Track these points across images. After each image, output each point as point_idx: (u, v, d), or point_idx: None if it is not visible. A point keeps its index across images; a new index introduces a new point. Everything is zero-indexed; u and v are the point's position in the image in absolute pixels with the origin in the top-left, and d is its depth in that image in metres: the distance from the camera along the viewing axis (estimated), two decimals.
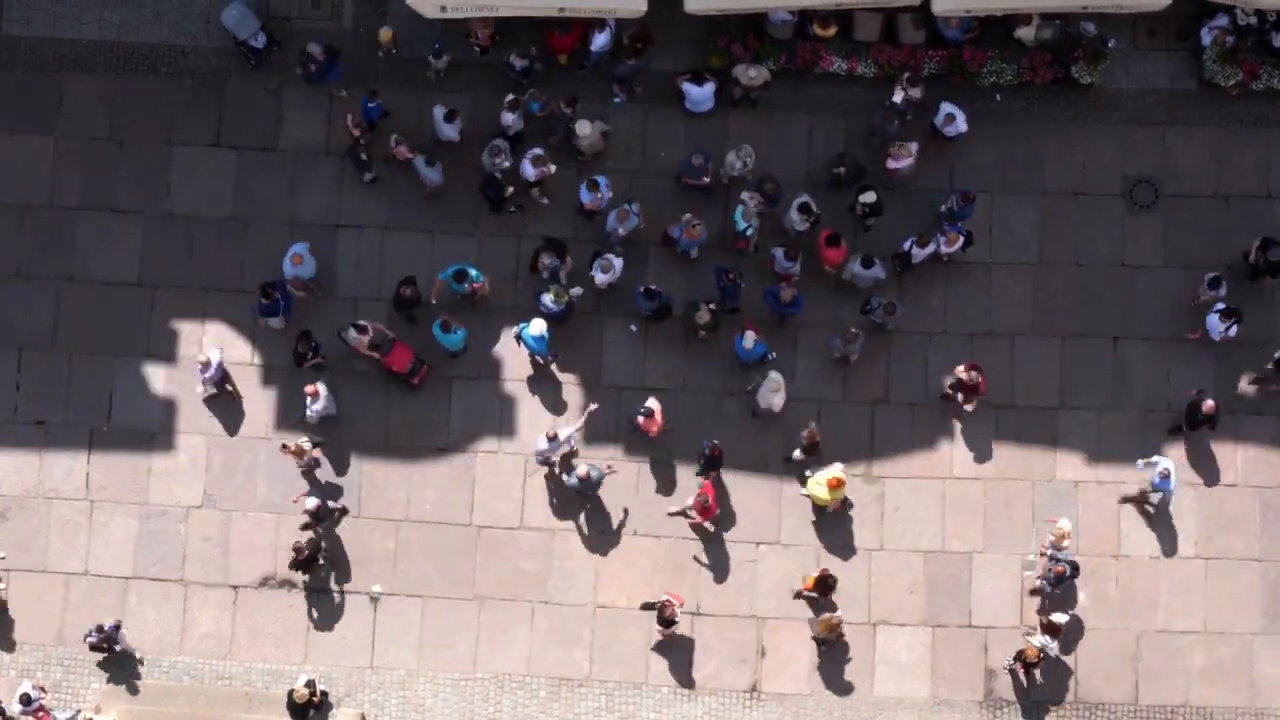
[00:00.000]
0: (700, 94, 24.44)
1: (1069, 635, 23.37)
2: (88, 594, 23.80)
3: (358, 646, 23.78)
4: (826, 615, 23.01)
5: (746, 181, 24.25)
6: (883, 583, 23.83)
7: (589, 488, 23.28)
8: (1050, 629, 22.90)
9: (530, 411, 24.32)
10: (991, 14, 24.44)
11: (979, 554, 23.95)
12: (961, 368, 23.50)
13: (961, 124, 24.28)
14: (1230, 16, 24.78)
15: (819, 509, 23.80)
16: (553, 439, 23.16)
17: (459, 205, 24.84)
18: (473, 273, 23.72)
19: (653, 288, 23.75)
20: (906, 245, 23.83)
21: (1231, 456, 24.24)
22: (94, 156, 24.97)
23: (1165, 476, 23.15)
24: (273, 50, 24.82)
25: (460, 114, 24.14)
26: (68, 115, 25.08)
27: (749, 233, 23.91)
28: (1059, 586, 23.20)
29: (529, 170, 23.93)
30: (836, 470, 23.25)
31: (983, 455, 24.21)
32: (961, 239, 23.88)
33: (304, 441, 23.43)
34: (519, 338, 23.98)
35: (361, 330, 23.50)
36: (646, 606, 23.21)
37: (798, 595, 23.60)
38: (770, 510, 24.06)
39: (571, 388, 24.34)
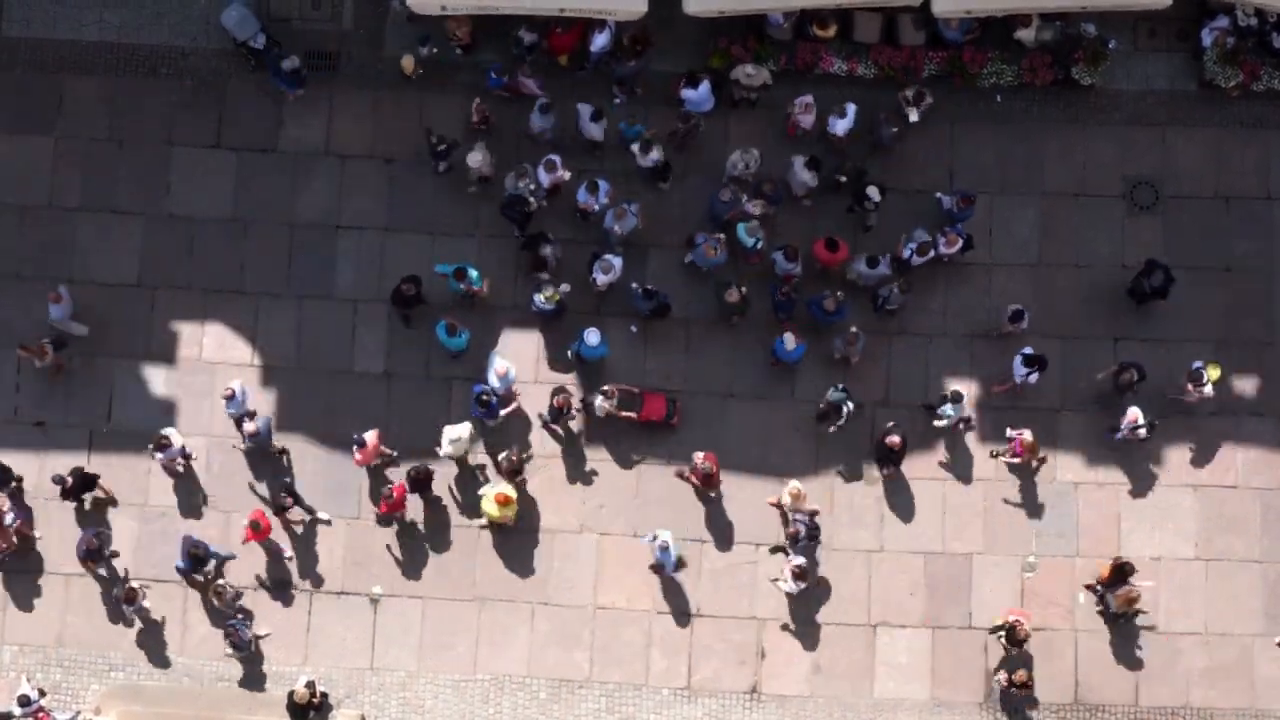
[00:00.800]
0: (698, 96, 24.40)
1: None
2: (88, 595, 23.80)
3: (358, 648, 23.77)
4: (1126, 589, 22.93)
5: (745, 183, 24.26)
6: (883, 584, 23.83)
7: (258, 442, 23.33)
8: (798, 574, 22.99)
9: (530, 412, 24.26)
10: (992, 15, 24.43)
11: (979, 555, 23.96)
12: (700, 455, 23.21)
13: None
14: (1231, 17, 24.79)
15: (494, 525, 23.67)
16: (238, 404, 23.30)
17: (459, 206, 24.84)
18: (473, 274, 23.71)
19: (650, 288, 23.77)
20: (907, 253, 23.82)
21: (1231, 458, 24.25)
22: (94, 157, 24.96)
23: (664, 549, 22.88)
24: (273, 51, 24.78)
25: (605, 114, 24.21)
26: (68, 116, 25.07)
27: (759, 246, 23.93)
28: (796, 546, 23.16)
29: (543, 176, 23.92)
30: (504, 487, 23.18)
31: (983, 457, 24.20)
32: (961, 240, 23.89)
33: (46, 342, 23.38)
34: (578, 355, 23.95)
35: (608, 396, 23.47)
36: (996, 630, 23.24)
37: (1089, 587, 23.53)
38: (770, 511, 24.04)
39: (571, 389, 24.29)
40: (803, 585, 23.16)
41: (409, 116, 25.02)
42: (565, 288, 23.78)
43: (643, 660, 23.75)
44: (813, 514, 23.29)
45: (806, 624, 23.70)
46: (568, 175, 24.05)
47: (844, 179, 24.44)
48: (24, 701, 22.04)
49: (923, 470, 24.17)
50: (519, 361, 24.33)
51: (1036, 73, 24.94)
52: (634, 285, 23.82)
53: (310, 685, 22.63)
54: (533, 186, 23.92)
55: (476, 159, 24.13)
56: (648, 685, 23.71)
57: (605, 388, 23.61)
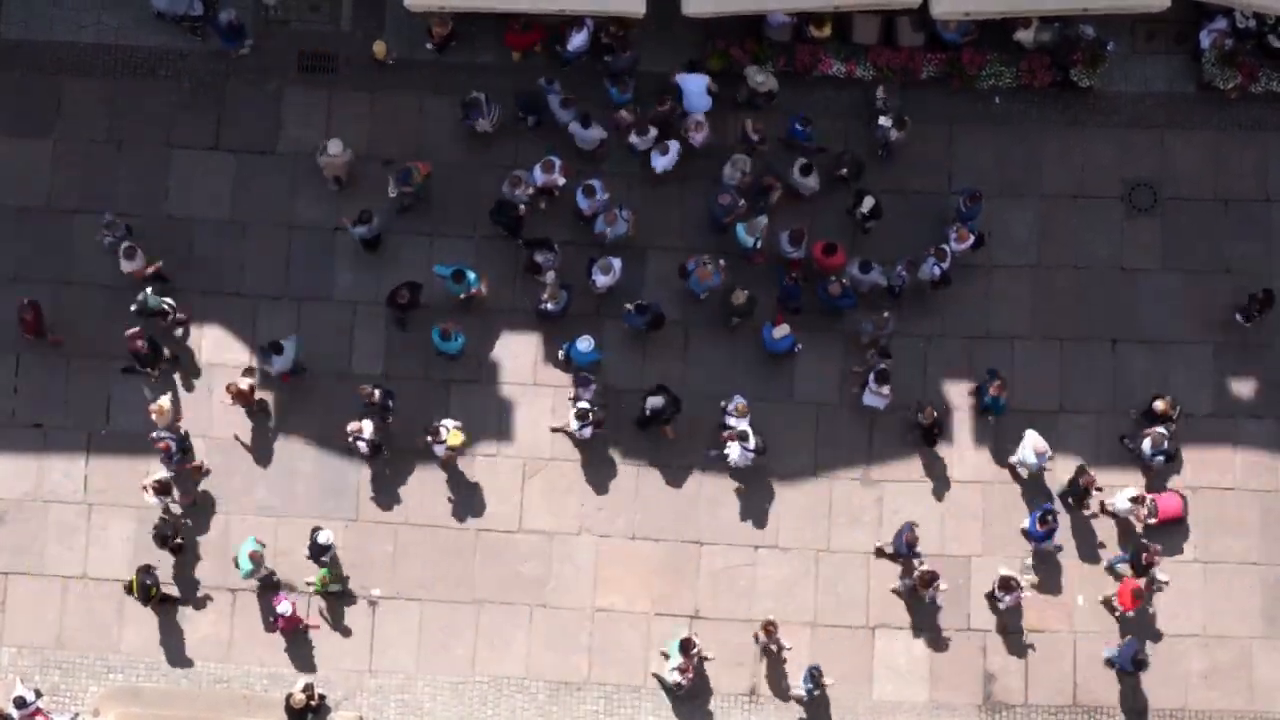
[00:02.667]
0: (695, 85, 24.16)
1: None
2: (86, 597, 23.79)
3: (356, 650, 23.75)
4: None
5: (741, 189, 24.24)
6: (882, 586, 23.82)
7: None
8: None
9: (528, 414, 24.29)
10: (990, 17, 24.42)
11: (977, 557, 23.96)
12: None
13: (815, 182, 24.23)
14: (1229, 19, 24.79)
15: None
16: None
17: (458, 207, 24.83)
18: (470, 275, 23.70)
19: (642, 302, 23.71)
20: (934, 270, 23.76)
21: (1230, 460, 24.25)
22: (93, 159, 24.95)
23: None
24: (210, 12, 24.61)
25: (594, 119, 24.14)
26: (67, 117, 25.06)
27: (758, 245, 23.91)
28: (171, 462, 23.20)
29: (538, 176, 23.87)
30: None
31: (982, 459, 24.21)
32: (972, 237, 23.88)
33: None
34: (569, 358, 23.92)
35: (1138, 502, 23.41)
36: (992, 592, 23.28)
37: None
38: (770, 513, 24.02)
39: (570, 391, 24.29)
40: (168, 499, 23.16)
41: (408, 117, 25.01)
42: (552, 276, 23.68)
43: (641, 662, 23.74)
44: (184, 434, 23.28)
45: (805, 626, 23.70)
46: (563, 180, 23.95)
47: (844, 172, 24.42)
48: (20, 703, 22.03)
49: (922, 473, 24.16)
50: (518, 363, 24.33)
51: (1035, 75, 24.94)
52: (627, 306, 23.74)
53: (308, 687, 22.63)
54: (530, 192, 23.87)
55: (336, 147, 23.93)
56: (646, 687, 23.70)
57: (1135, 494, 23.39)
